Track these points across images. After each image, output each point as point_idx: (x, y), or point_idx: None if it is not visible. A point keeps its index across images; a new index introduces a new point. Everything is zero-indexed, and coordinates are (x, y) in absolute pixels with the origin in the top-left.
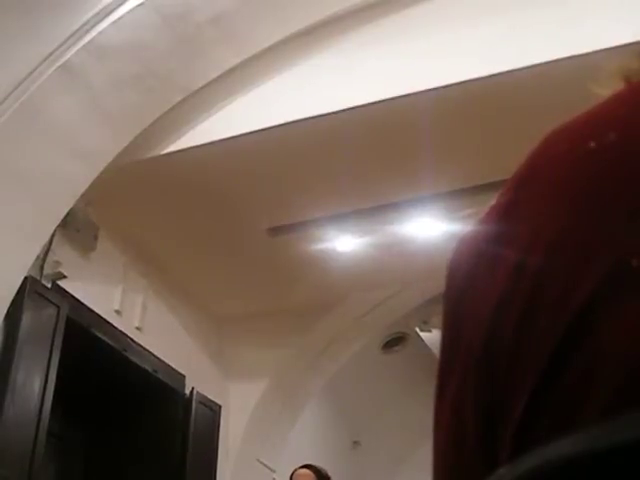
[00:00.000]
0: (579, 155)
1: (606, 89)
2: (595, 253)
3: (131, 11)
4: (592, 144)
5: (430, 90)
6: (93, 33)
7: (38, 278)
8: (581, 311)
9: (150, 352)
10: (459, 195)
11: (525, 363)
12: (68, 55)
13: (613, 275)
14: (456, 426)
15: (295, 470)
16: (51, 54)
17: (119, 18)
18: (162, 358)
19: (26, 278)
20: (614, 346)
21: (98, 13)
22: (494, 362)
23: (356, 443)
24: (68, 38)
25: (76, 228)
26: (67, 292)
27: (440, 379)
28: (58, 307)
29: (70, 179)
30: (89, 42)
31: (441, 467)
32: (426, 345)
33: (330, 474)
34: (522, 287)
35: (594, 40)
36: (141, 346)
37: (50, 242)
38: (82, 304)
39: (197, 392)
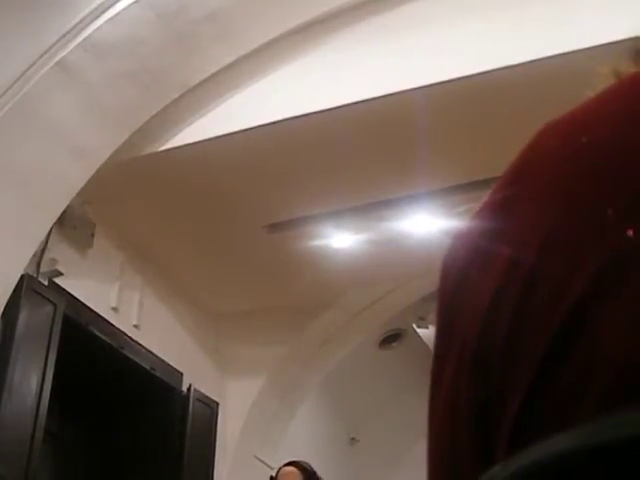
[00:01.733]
0: (571, 151)
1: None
2: (588, 249)
3: (127, 8)
4: (584, 139)
5: (425, 87)
6: (89, 30)
7: (35, 276)
8: (575, 308)
9: (147, 350)
10: (455, 191)
11: (520, 360)
12: (64, 52)
13: (606, 271)
14: (450, 423)
15: (280, 468)
16: (47, 51)
17: (115, 15)
18: (159, 355)
19: (23, 276)
20: (609, 343)
21: (94, 10)
22: (488, 358)
23: (353, 440)
24: (64, 35)
25: (73, 225)
26: (64, 290)
27: (434, 375)
28: (55, 305)
29: (67, 176)
30: (85, 39)
31: (435, 463)
32: (423, 342)
33: (325, 470)
34: (516, 284)
35: (585, 37)
36: (138, 344)
37: (47, 240)
38: (79, 302)
39: (194, 389)
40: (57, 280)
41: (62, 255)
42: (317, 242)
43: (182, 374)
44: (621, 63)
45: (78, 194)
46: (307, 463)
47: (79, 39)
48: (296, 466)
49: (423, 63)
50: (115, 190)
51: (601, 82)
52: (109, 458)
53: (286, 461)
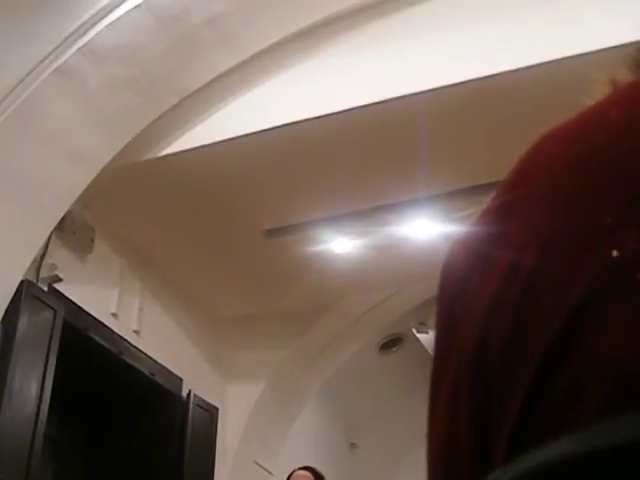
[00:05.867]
0: (572, 157)
1: (596, 99)
2: (588, 254)
3: (127, 13)
4: (584, 146)
5: (427, 91)
6: (89, 35)
7: (34, 281)
8: (574, 313)
9: (147, 355)
10: (456, 196)
11: (519, 363)
12: (64, 58)
13: (606, 276)
14: (450, 426)
15: (294, 471)
16: (47, 57)
17: (115, 20)
18: (159, 361)
19: (22, 281)
20: (608, 347)
21: (94, 15)
22: (488, 362)
23: (353, 445)
24: (64, 41)
25: (72, 231)
26: (64, 295)
27: (433, 381)
28: (55, 310)
29: (66, 182)
30: (85, 44)
31: (435, 467)
32: (423, 346)
33: (325, 475)
34: (515, 289)
35: (592, 40)
36: (138, 349)
37: (46, 245)
38: (79, 307)
39: (194, 395)
40: (57, 286)
41: (62, 260)
42: (317, 247)
43: (182, 379)
44: (618, 70)
45: (78, 199)
46: (319, 470)
47: (79, 44)
48: (311, 471)
49: (424, 67)
50: (115, 195)
51: (598, 89)
52: (109, 463)
53: (298, 466)
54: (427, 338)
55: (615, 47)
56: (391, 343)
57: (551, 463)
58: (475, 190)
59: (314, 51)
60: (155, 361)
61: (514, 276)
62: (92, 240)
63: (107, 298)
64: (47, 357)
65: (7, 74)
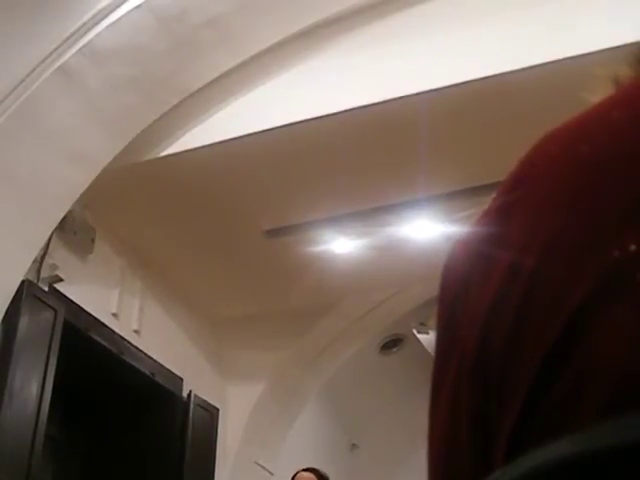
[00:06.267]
0: (572, 158)
1: (597, 95)
2: (590, 254)
3: (127, 14)
4: (585, 147)
5: (427, 92)
6: (90, 36)
7: (35, 281)
8: (575, 313)
9: (148, 355)
10: (457, 197)
11: (519, 365)
12: (65, 58)
13: (608, 277)
14: (450, 428)
15: (297, 472)
16: (48, 57)
17: (116, 21)
18: (160, 361)
19: (23, 281)
20: (609, 349)
21: (95, 16)
22: (488, 362)
23: (354, 446)
24: (65, 41)
25: (73, 231)
26: (64, 295)
27: (435, 381)
28: (55, 310)
29: (67, 182)
30: (86, 45)
31: (436, 468)
32: (423, 347)
33: (329, 477)
34: (516, 289)
35: (592, 41)
36: (139, 349)
37: (47, 245)
38: (79, 307)
39: (195, 395)
40: (57, 286)
41: (62, 261)
42: (317, 247)
43: (182, 380)
44: (619, 68)
45: (78, 199)
46: (324, 471)
47: (80, 45)
48: (314, 473)
49: (424, 68)
50: (115, 196)
51: (599, 86)
52: (109, 463)
53: (300, 467)
54: (428, 339)
55: (615, 48)
56: (392, 344)
57: (551, 464)
58: (476, 191)
59: (315, 52)
60: (155, 361)
61: (515, 276)
62: (93, 240)
63: (108, 298)
64: (48, 357)
65: (8, 74)
